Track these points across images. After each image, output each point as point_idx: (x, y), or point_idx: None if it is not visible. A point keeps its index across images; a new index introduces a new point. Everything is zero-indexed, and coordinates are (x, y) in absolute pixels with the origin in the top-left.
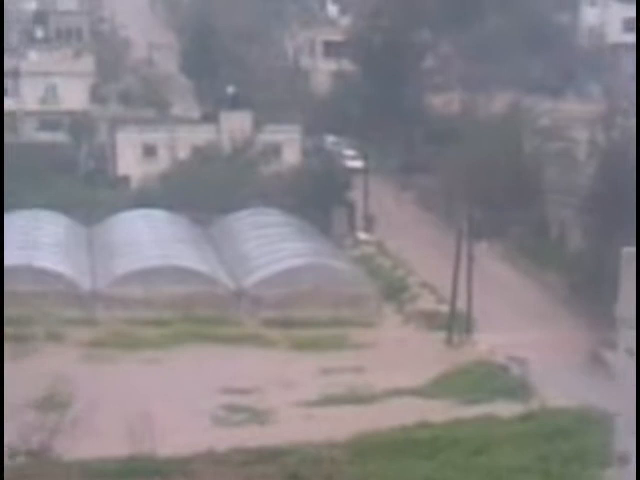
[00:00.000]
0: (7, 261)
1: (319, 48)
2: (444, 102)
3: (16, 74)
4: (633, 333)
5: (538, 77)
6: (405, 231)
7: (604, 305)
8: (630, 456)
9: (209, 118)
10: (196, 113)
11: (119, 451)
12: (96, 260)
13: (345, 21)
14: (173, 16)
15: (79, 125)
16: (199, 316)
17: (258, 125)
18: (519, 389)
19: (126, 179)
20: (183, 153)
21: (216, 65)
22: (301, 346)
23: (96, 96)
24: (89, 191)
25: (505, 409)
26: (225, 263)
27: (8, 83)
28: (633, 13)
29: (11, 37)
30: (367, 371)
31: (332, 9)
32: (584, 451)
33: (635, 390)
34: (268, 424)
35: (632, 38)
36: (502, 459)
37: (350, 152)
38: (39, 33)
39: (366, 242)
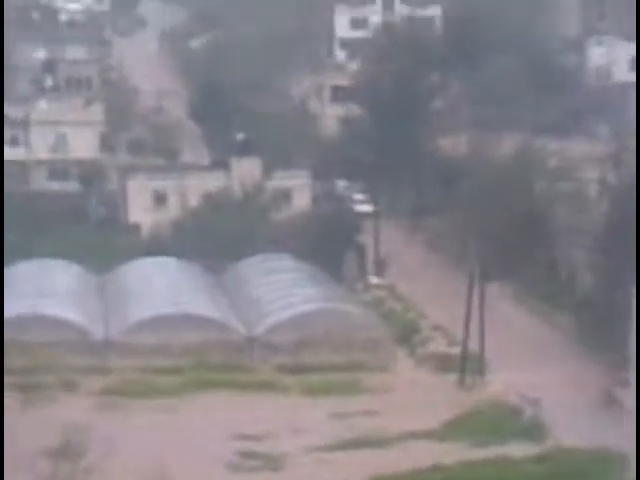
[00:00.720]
0: (18, 310)
1: (327, 93)
2: (453, 144)
3: (26, 123)
4: None
5: (546, 118)
6: (416, 274)
7: (615, 345)
8: None
9: (219, 165)
10: (206, 160)
11: None
12: (108, 308)
13: (353, 66)
14: (181, 63)
15: (89, 174)
16: (212, 363)
17: (268, 171)
18: (533, 430)
19: (137, 227)
20: (194, 200)
21: (225, 112)
22: (314, 391)
23: (106, 144)
24: (100, 239)
25: (519, 450)
26: (237, 309)
27: (19, 132)
28: None
29: (21, 86)
30: (380, 415)
31: (340, 54)
32: None
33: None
34: (282, 469)
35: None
36: None
37: (360, 196)
38: (48, 82)
39: (377, 286)
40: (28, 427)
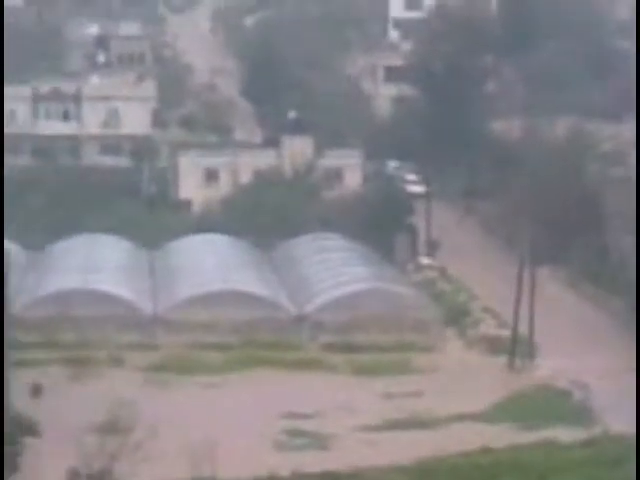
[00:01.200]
0: (68, 284)
1: (380, 73)
2: (506, 127)
3: (78, 98)
4: None
5: (599, 102)
6: (467, 256)
7: None
8: None
9: (270, 143)
10: (257, 137)
11: (179, 475)
12: (157, 284)
13: (406, 46)
14: (235, 41)
15: (140, 149)
16: (260, 341)
17: (319, 150)
18: (581, 414)
19: (188, 203)
20: (245, 177)
21: (277, 90)
22: (362, 371)
23: (158, 120)
24: (151, 215)
25: (567, 435)
26: (287, 288)
27: (71, 107)
28: None
29: (73, 61)
30: (428, 396)
31: (393, 34)
32: None
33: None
34: (329, 449)
35: None
36: None
37: (412, 177)
38: (101, 58)
39: (428, 267)
40: (76, 402)
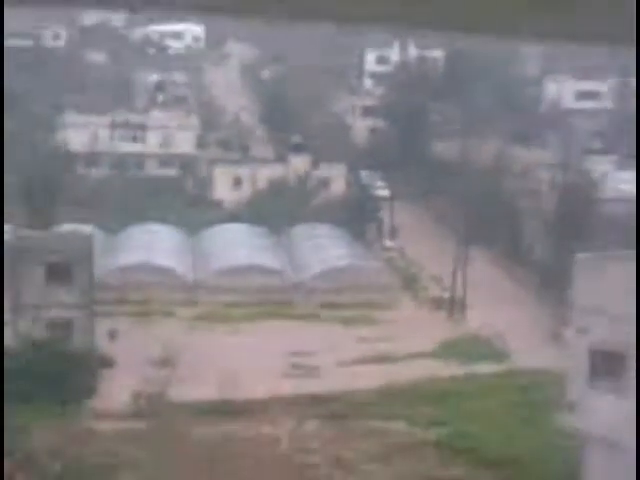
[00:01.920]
0: (133, 259)
1: (358, 110)
2: (447, 148)
3: (143, 127)
4: (584, 314)
5: (514, 131)
6: (419, 240)
7: (560, 294)
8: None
9: (280, 159)
10: (271, 155)
11: (213, 396)
12: (197, 260)
13: (378, 91)
14: (255, 87)
15: (187, 163)
16: (271, 300)
17: (314, 164)
18: (501, 354)
19: (220, 202)
20: (261, 184)
21: (285, 121)
22: (343, 321)
23: (199, 143)
24: (193, 211)
25: (487, 368)
26: (290, 263)
27: (138, 132)
28: (583, 87)
29: (140, 100)
30: (391, 340)
31: (368, 82)
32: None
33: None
34: (320, 377)
35: (581, 105)
36: (483, 404)
37: (380, 184)
38: (160, 98)
39: (390, 248)
40: (139, 343)
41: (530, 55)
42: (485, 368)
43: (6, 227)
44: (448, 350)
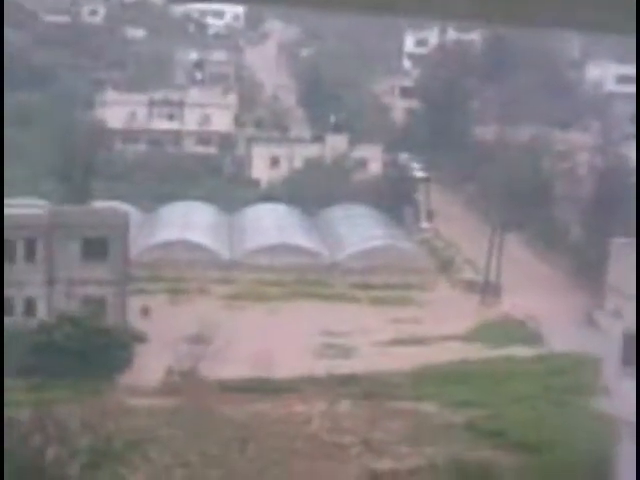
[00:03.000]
0: (169, 237)
1: (397, 91)
2: (485, 131)
3: (181, 104)
4: (619, 298)
5: (554, 115)
6: (455, 223)
7: (596, 280)
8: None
9: (317, 139)
10: (308, 135)
11: (247, 373)
12: (234, 238)
13: (416, 72)
14: (293, 66)
15: (225, 142)
16: (306, 280)
17: (352, 145)
18: (533, 338)
19: (257, 181)
20: (298, 163)
21: (323, 101)
22: (377, 302)
23: (237, 122)
24: (230, 189)
25: (522, 352)
26: (325, 242)
27: (175, 111)
28: (625, 71)
29: (179, 78)
30: (425, 322)
31: (407, 64)
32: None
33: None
34: (353, 357)
35: (623, 89)
36: (516, 387)
37: (417, 165)
38: (198, 76)
39: (426, 230)
40: (173, 320)
41: (571, 38)
42: (519, 351)
43: (42, 202)
44: (482, 333)
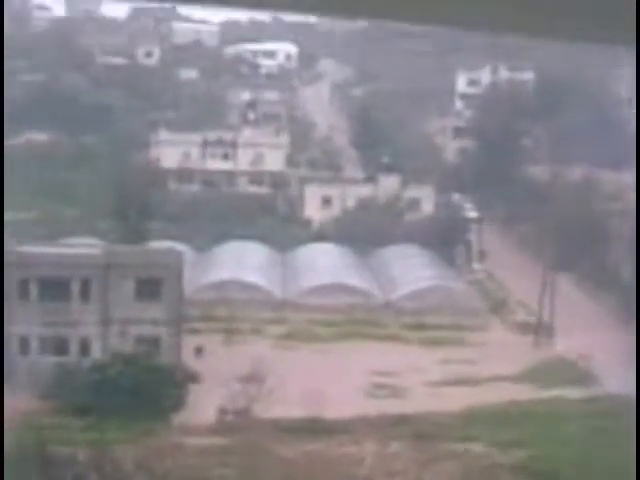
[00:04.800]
0: (222, 276)
1: (449, 132)
2: (538, 172)
3: (234, 144)
4: None
5: (603, 155)
6: (507, 264)
7: None
8: None
9: (370, 179)
10: (361, 175)
11: (299, 414)
12: (287, 278)
13: (468, 113)
14: (346, 106)
15: (278, 181)
16: (358, 320)
17: (405, 185)
18: (586, 379)
19: (309, 221)
20: (350, 204)
21: (375, 142)
22: (430, 343)
23: (290, 161)
24: (284, 229)
25: (574, 393)
26: (378, 282)
27: (229, 151)
28: None
29: (232, 118)
30: (476, 362)
31: (459, 104)
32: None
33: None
34: (404, 398)
35: None
36: (566, 428)
37: (469, 205)
38: (251, 116)
39: (479, 271)
40: (226, 359)
41: (622, 75)
42: (570, 392)
43: (98, 242)
44: (534, 374)
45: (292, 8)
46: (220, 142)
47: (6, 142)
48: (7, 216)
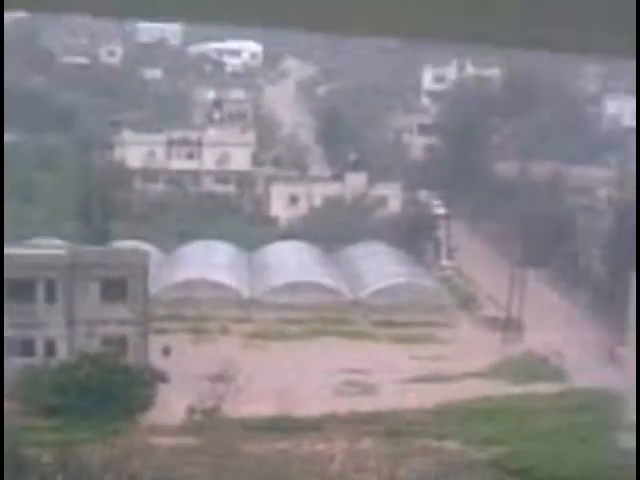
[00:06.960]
0: (189, 276)
1: (415, 128)
2: (504, 168)
3: (200, 144)
4: None
5: (573, 151)
6: (476, 260)
7: (618, 315)
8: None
9: (336, 177)
10: (327, 173)
11: (269, 412)
12: (254, 277)
13: (434, 109)
14: (311, 104)
15: (244, 180)
16: (327, 318)
17: (371, 183)
18: (556, 374)
19: (276, 220)
20: (317, 202)
21: (341, 139)
22: (399, 340)
23: (256, 160)
24: (249, 228)
25: (545, 388)
26: (346, 280)
27: (194, 149)
28: None
29: (197, 117)
30: (446, 359)
31: (425, 101)
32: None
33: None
34: (375, 395)
35: None
36: (540, 423)
37: (437, 202)
38: (216, 115)
39: (447, 267)
40: (195, 358)
41: (590, 73)
42: (541, 388)
43: (63, 243)
44: (504, 369)
45: (274, 24)
46: (185, 141)
47: None
48: None
